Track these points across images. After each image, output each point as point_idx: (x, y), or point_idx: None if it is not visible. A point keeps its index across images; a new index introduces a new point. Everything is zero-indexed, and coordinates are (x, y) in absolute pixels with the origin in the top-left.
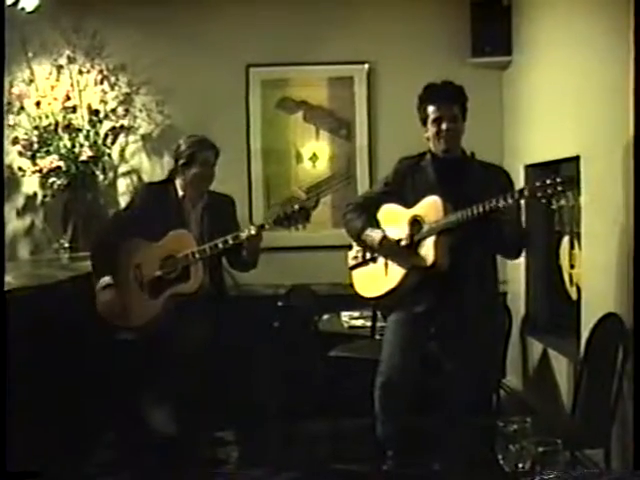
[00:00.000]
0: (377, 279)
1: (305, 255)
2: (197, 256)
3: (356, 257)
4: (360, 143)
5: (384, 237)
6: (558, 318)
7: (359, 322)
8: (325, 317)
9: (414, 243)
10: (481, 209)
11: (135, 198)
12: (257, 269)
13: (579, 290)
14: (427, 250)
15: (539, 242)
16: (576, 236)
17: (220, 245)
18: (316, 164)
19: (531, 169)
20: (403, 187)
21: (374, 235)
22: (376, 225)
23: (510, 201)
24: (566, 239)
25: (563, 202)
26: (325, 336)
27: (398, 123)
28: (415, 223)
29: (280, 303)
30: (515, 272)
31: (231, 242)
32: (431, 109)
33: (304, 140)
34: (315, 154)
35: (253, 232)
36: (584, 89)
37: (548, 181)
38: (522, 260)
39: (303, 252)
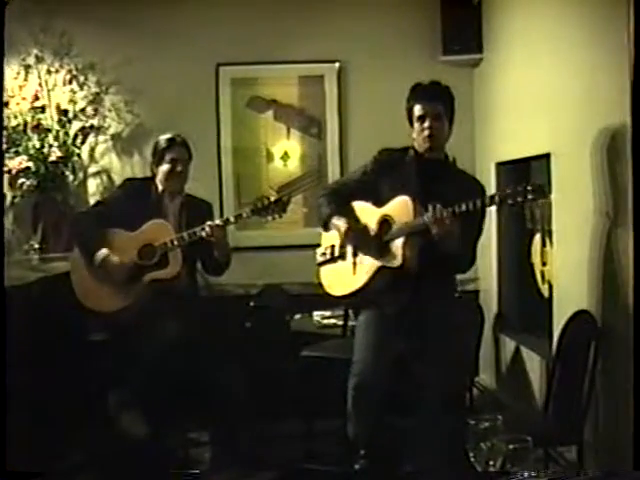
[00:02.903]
0: (345, 277)
1: (277, 255)
2: (175, 243)
3: (324, 254)
4: (331, 142)
5: (349, 228)
6: (530, 316)
7: (331, 321)
8: (297, 316)
9: (382, 243)
10: (449, 213)
11: (116, 191)
12: (230, 269)
13: (551, 287)
14: (396, 251)
15: (511, 240)
16: (548, 233)
17: (198, 232)
18: (287, 163)
19: (502, 167)
20: (380, 179)
21: (340, 224)
22: (347, 214)
23: (478, 204)
24: (538, 236)
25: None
26: (297, 335)
27: (369, 121)
28: (385, 223)
29: (252, 303)
30: (487, 270)
31: (209, 227)
32: (417, 108)
33: (275, 139)
34: (286, 153)
35: (219, 222)
36: (555, 86)
37: (519, 188)
38: (494, 258)
39: (275, 252)
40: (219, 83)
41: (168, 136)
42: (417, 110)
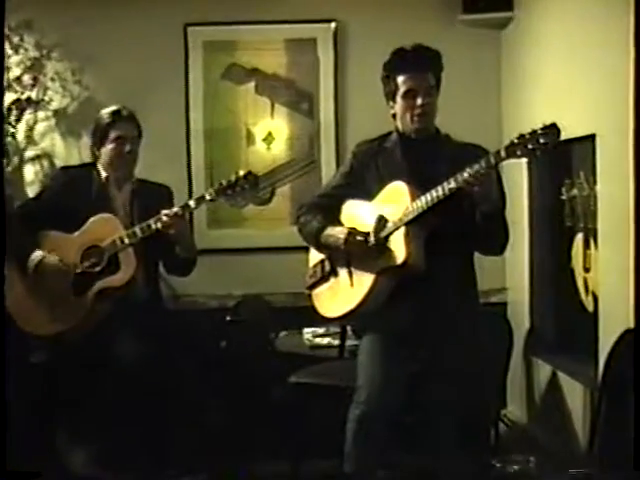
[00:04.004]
0: (342, 293)
1: (259, 258)
2: (126, 241)
3: (314, 273)
4: (325, 120)
5: (350, 233)
6: (570, 334)
7: (325, 340)
8: (283, 334)
9: (380, 240)
10: (451, 185)
11: (48, 185)
12: (200, 276)
13: (596, 299)
14: (396, 246)
15: (546, 241)
16: (592, 233)
17: (153, 225)
18: (271, 146)
19: None
20: (366, 176)
21: (337, 233)
22: (338, 224)
23: (483, 166)
24: (580, 237)
25: (575, 191)
26: (284, 358)
27: (371, 95)
28: (381, 217)
29: (228, 318)
30: (517, 278)
31: (165, 217)
32: (401, 79)
33: (257, 117)
34: (270, 134)
35: (177, 210)
36: (603, 49)
37: (527, 135)
38: (525, 263)
39: (256, 255)
40: (188, 48)
41: (112, 109)
42: (402, 83)
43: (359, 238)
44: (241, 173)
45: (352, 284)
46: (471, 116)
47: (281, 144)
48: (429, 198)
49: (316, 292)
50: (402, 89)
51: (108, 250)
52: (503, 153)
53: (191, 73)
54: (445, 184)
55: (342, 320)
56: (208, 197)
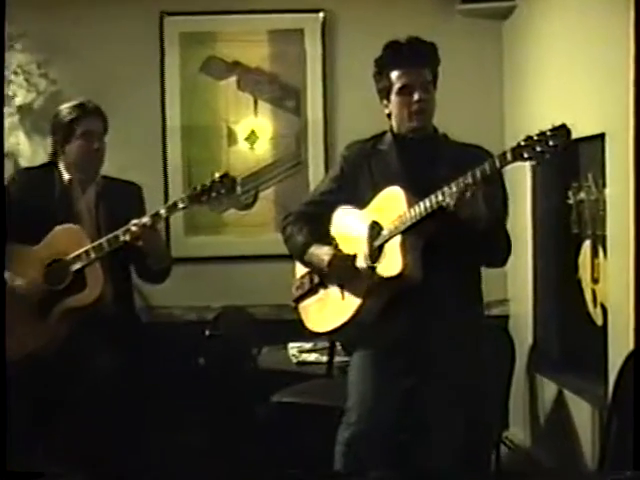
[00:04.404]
0: (332, 306)
1: (240, 267)
2: (92, 255)
3: (301, 285)
4: (312, 118)
5: (334, 255)
6: (577, 349)
7: (312, 356)
8: (267, 350)
9: (374, 250)
10: (452, 190)
11: (6, 189)
12: (177, 287)
13: (605, 312)
14: (391, 256)
15: (551, 249)
16: (601, 240)
17: (121, 237)
18: (254, 146)
19: None
20: (357, 180)
21: (321, 254)
22: (327, 237)
23: (487, 170)
24: (587, 244)
25: (583, 195)
26: (267, 375)
27: (363, 91)
28: (374, 225)
29: (207, 332)
30: (520, 289)
31: (134, 228)
32: (395, 75)
33: (239, 114)
34: (253, 133)
35: (146, 221)
36: (612, 41)
37: (535, 136)
38: (529, 272)
39: (237, 263)
40: (164, 40)
41: (75, 103)
42: (397, 79)
43: (345, 260)
44: (217, 176)
45: (343, 297)
46: (470, 114)
47: (265, 144)
48: (428, 204)
49: (303, 305)
50: (397, 85)
51: (73, 265)
52: (509, 156)
53: (167, 66)
54: (446, 189)
55: (332, 335)
56: (181, 204)
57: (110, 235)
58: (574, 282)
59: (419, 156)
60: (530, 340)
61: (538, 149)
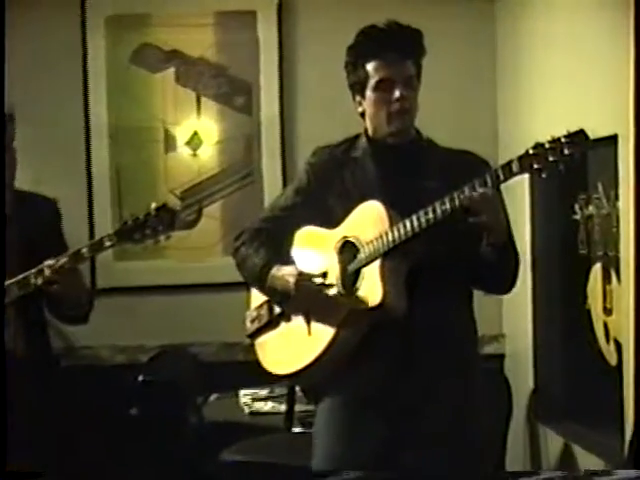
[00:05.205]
0: (296, 343)
1: (181, 299)
2: None
3: (258, 317)
4: (267, 118)
5: (301, 274)
6: (587, 394)
7: (268, 405)
8: (214, 398)
9: (349, 276)
10: (444, 207)
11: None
12: (104, 323)
13: (620, 349)
14: (369, 283)
15: (554, 274)
16: (613, 263)
17: (32, 280)
18: (197, 152)
19: None
20: (326, 194)
21: (286, 275)
22: (289, 261)
23: (489, 185)
24: (598, 268)
25: (592, 209)
26: (214, 428)
27: (328, 86)
28: (347, 247)
29: (141, 377)
30: (517, 322)
31: (48, 271)
32: (372, 67)
33: (178, 113)
34: (196, 135)
35: (64, 262)
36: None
37: (547, 143)
38: (528, 303)
39: (177, 294)
40: (86, 25)
41: None
42: (374, 71)
43: (315, 281)
44: (153, 207)
45: (310, 331)
46: (459, 112)
47: (210, 149)
48: (415, 224)
49: (260, 341)
50: (374, 79)
51: None
52: (515, 166)
53: (91, 57)
54: (437, 205)
55: (295, 378)
56: (108, 242)
57: (19, 277)
58: (582, 313)
59: (400, 164)
60: (530, 384)
61: (551, 159)
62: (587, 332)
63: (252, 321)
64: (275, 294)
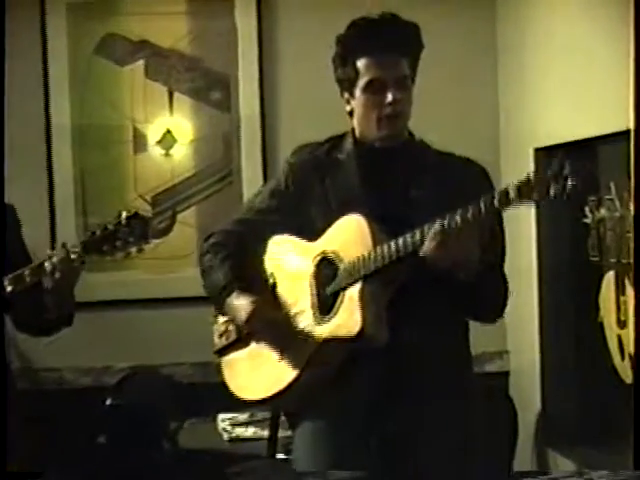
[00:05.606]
0: (266, 366)
1: (152, 314)
2: None
3: (226, 332)
4: (246, 114)
5: (255, 311)
6: (599, 416)
7: (249, 430)
8: (189, 423)
9: (325, 299)
10: (435, 230)
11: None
12: (68, 342)
13: (637, 366)
14: (347, 309)
15: (563, 284)
16: (628, 271)
17: None
18: (170, 152)
19: (546, 154)
20: (305, 199)
21: (239, 307)
22: (258, 270)
23: (482, 210)
24: (610, 276)
25: (604, 212)
26: (190, 456)
27: (312, 80)
28: (325, 263)
29: (108, 401)
30: (523, 338)
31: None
32: (363, 64)
33: (149, 110)
34: (168, 134)
35: (26, 276)
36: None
37: (549, 171)
38: (535, 316)
39: (148, 309)
40: (46, 12)
41: None
42: (366, 69)
43: (275, 318)
44: (123, 217)
45: (282, 357)
46: (457, 110)
47: (184, 149)
48: (401, 245)
49: (228, 359)
50: (364, 79)
51: None
52: (512, 193)
53: (51, 47)
54: (425, 228)
55: (264, 405)
56: (73, 256)
57: None
58: (594, 326)
59: (389, 171)
60: (538, 404)
61: (552, 192)
62: (599, 347)
63: (219, 336)
64: (234, 320)
